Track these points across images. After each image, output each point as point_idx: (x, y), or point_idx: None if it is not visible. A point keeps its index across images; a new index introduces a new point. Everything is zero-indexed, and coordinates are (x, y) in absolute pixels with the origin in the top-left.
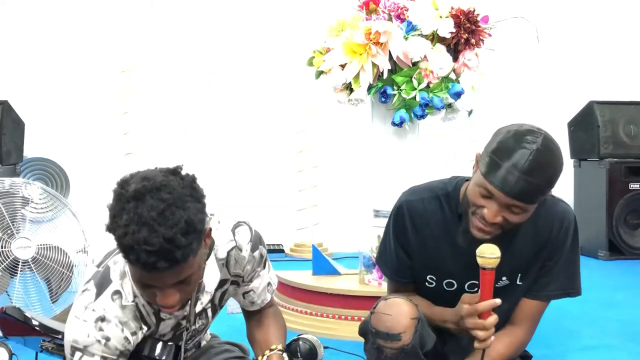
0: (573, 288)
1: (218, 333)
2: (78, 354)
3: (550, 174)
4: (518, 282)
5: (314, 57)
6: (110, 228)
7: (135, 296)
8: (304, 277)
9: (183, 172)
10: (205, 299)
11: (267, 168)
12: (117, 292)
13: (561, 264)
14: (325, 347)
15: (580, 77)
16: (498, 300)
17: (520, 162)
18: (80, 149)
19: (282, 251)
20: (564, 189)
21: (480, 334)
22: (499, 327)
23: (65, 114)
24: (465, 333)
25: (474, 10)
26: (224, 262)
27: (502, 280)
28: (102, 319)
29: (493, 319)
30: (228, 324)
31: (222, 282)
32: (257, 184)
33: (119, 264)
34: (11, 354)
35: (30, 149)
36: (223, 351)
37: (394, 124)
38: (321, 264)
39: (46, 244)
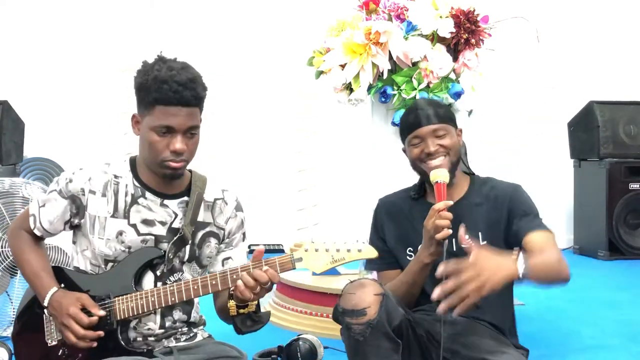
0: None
1: (216, 333)
2: (52, 183)
3: (437, 101)
4: (482, 242)
5: (314, 57)
6: (143, 80)
7: (119, 177)
8: (304, 277)
9: None
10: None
11: (267, 168)
12: (108, 164)
13: (533, 211)
14: (325, 347)
15: (580, 77)
16: (450, 202)
17: (414, 107)
18: (80, 149)
19: (282, 251)
20: (564, 189)
21: (438, 222)
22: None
23: (65, 114)
24: (433, 248)
25: (474, 10)
26: (210, 205)
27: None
28: (80, 169)
29: (448, 213)
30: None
31: (204, 224)
32: (257, 184)
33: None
34: (11, 354)
35: (30, 149)
36: (218, 351)
37: (394, 124)
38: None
39: (46, 244)
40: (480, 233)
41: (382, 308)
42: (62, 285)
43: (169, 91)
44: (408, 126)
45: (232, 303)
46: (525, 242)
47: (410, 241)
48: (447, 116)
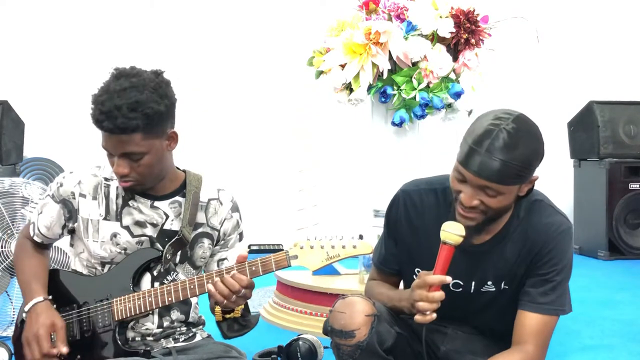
0: (564, 306)
1: (216, 333)
2: (47, 188)
3: (519, 154)
4: (503, 287)
5: (314, 57)
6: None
7: (110, 180)
8: (304, 277)
9: (163, 74)
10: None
11: (267, 168)
12: (99, 166)
13: (555, 279)
14: (325, 347)
15: (580, 77)
16: (449, 278)
17: (486, 141)
18: (80, 149)
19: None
20: (564, 189)
21: (421, 304)
22: (485, 331)
23: (65, 114)
24: (415, 311)
25: (474, 10)
26: (204, 206)
27: (487, 285)
28: (71, 172)
29: (439, 294)
30: None
31: (197, 225)
32: (257, 184)
33: None
34: (11, 354)
35: (30, 149)
36: (218, 351)
37: (394, 124)
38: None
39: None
40: (503, 282)
41: (373, 330)
42: (51, 296)
43: (92, 117)
44: (462, 153)
45: (217, 309)
46: (517, 317)
47: (422, 262)
48: (516, 176)
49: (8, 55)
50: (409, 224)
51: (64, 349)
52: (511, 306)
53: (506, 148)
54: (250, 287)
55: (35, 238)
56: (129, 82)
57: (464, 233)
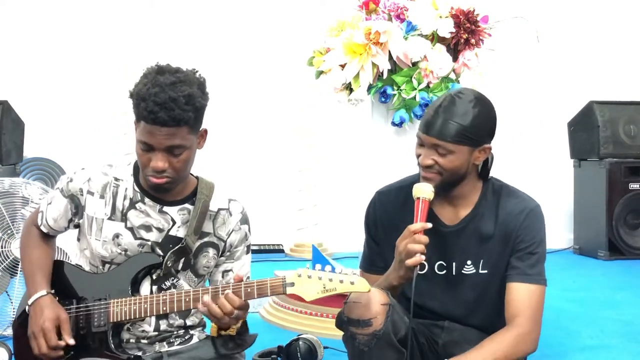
0: (545, 277)
1: None
2: (58, 181)
3: (461, 114)
4: (481, 270)
5: (314, 57)
6: (133, 90)
7: (120, 180)
8: None
9: (198, 73)
10: (182, 229)
11: (267, 168)
12: (110, 165)
13: (538, 252)
14: (325, 347)
15: (580, 77)
16: (429, 224)
17: (435, 105)
18: (80, 149)
19: (282, 251)
20: (564, 189)
21: (410, 246)
22: (468, 318)
23: (65, 114)
24: (403, 272)
25: (474, 10)
26: (213, 216)
27: (467, 265)
28: (82, 169)
29: (424, 237)
30: None
31: (204, 234)
32: (258, 184)
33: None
34: (11, 354)
35: (30, 149)
36: (213, 351)
37: (394, 123)
38: (321, 264)
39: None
40: (482, 261)
41: (388, 319)
42: (53, 290)
43: (144, 110)
44: (421, 121)
45: (213, 325)
46: (507, 292)
47: None
48: (460, 134)
49: (8, 55)
50: (388, 221)
51: (71, 341)
52: (496, 297)
53: (449, 109)
54: (243, 308)
55: (42, 228)
56: (175, 77)
57: (433, 189)
